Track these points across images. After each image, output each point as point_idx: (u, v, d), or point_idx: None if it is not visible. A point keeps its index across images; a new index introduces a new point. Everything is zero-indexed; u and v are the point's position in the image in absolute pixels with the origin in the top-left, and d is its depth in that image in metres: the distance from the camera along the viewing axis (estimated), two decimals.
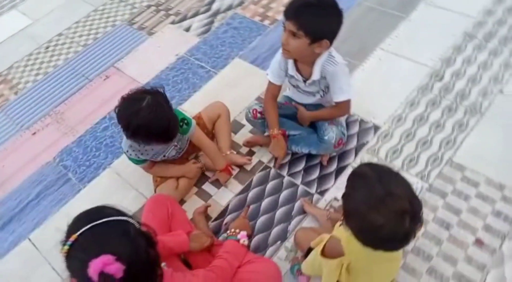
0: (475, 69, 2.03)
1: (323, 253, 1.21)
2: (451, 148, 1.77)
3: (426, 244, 1.52)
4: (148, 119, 1.43)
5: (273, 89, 1.77)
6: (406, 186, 1.00)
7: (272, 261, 1.51)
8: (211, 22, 2.63)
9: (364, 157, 1.80)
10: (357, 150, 1.83)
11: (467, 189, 1.64)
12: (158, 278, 0.99)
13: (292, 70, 1.67)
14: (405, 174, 1.69)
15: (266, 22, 2.54)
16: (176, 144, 1.73)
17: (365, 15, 2.42)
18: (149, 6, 2.88)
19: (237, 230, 1.49)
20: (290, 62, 1.65)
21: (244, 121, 2.02)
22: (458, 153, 1.75)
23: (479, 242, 1.51)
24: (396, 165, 1.75)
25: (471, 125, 1.83)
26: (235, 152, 1.91)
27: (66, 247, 0.94)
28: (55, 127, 2.25)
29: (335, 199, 1.70)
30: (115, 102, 2.21)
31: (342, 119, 1.79)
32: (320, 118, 1.77)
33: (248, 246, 1.56)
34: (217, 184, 1.84)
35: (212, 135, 1.94)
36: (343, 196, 1.06)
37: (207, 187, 1.85)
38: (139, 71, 2.44)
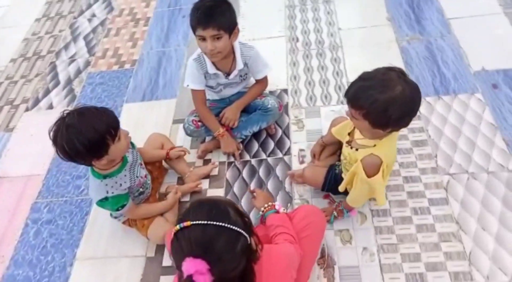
0: (312, 24, 2.59)
1: (370, 176, 1.38)
2: (342, 75, 2.24)
3: None
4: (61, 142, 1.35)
5: (200, 95, 1.89)
6: (376, 70, 1.30)
7: (304, 205, 1.66)
8: (71, 90, 2.52)
9: (295, 111, 2.10)
10: (286, 110, 2.12)
11: None
12: None
13: (212, 69, 1.80)
14: (327, 108, 2.09)
15: (127, 66, 2.60)
16: (140, 161, 1.68)
17: None
18: None
19: (269, 204, 1.57)
20: (208, 63, 1.78)
21: (178, 143, 2.07)
22: (349, 76, 2.22)
23: None
24: (317, 104, 2.12)
25: (341, 56, 2.35)
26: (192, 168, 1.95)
27: (177, 228, 0.96)
28: None
29: (300, 150, 1.95)
30: (26, 206, 2.00)
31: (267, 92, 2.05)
32: (247, 101, 1.94)
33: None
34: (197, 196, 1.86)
35: (163, 169, 1.94)
36: (371, 113, 1.24)
37: None
38: (30, 166, 2.16)
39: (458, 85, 2.07)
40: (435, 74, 2.14)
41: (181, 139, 2.10)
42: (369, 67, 2.23)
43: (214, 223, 0.95)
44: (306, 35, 2.52)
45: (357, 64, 2.27)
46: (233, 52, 1.79)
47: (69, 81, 2.58)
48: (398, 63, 2.22)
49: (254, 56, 1.82)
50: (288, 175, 1.85)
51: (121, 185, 1.56)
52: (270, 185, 1.85)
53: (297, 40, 2.50)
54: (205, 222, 0.95)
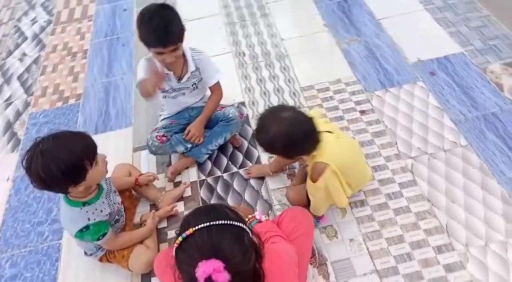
0: (255, 38, 2.66)
1: (315, 181, 1.50)
2: (294, 82, 2.32)
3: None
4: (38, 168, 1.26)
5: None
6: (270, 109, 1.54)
7: (288, 208, 1.68)
8: (13, 134, 2.35)
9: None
10: (247, 122, 2.14)
11: (326, 94, 2.21)
12: None
13: (164, 69, 1.75)
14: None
15: (72, 101, 2.48)
16: (114, 188, 1.62)
17: None
18: None
19: (249, 217, 1.56)
20: (159, 64, 1.74)
21: (143, 170, 2.00)
22: (300, 82, 2.31)
23: (362, 113, 2.10)
24: None
25: (289, 64, 2.43)
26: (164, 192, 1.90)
27: (180, 239, 0.94)
28: None
29: (270, 157, 1.97)
30: None
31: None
32: (208, 114, 1.93)
33: None
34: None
35: (134, 199, 1.86)
36: (267, 150, 1.52)
37: (172, 232, 1.77)
38: None
39: (400, 77, 2.24)
40: (378, 70, 2.30)
41: (146, 167, 2.03)
42: (318, 71, 2.37)
43: (216, 222, 0.95)
44: (252, 49, 2.59)
45: (305, 69, 2.37)
46: (184, 56, 1.79)
47: (9, 125, 2.41)
48: (343, 64, 2.36)
49: (204, 59, 1.85)
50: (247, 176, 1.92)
51: (101, 211, 1.50)
52: (247, 196, 1.85)
53: (244, 54, 2.56)
54: (208, 224, 0.94)
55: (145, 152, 2.10)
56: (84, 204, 1.44)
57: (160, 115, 2.04)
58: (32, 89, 2.61)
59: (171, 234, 1.78)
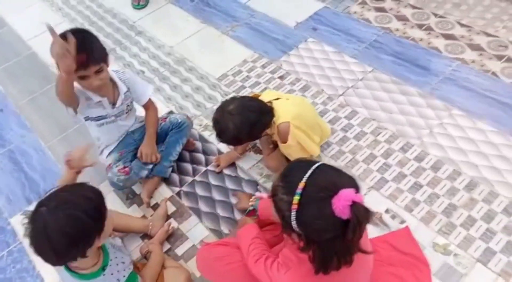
0: (145, 54, 2.63)
1: (285, 142, 1.63)
2: (207, 77, 2.39)
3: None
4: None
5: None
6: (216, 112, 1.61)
7: None
8: None
9: (196, 121, 2.15)
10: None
11: (242, 75, 2.36)
12: None
13: (96, 97, 1.66)
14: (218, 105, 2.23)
15: None
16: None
17: None
18: None
19: (251, 198, 1.63)
20: (90, 93, 1.65)
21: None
22: (213, 74, 2.40)
23: (281, 78, 2.31)
24: (208, 107, 2.22)
25: (192, 65, 2.49)
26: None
27: (298, 197, 0.96)
28: None
29: (228, 147, 2.01)
30: None
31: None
32: (153, 130, 1.88)
33: None
34: (183, 238, 1.73)
35: None
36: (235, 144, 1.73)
37: (180, 249, 1.70)
38: None
39: (292, 40, 2.52)
40: (271, 41, 2.54)
41: (111, 206, 1.86)
42: (221, 60, 2.52)
43: (315, 165, 1.00)
44: (147, 64, 2.56)
45: (210, 63, 2.47)
46: (111, 79, 1.71)
47: None
48: (240, 47, 2.53)
49: (131, 77, 1.82)
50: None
51: (123, 262, 1.38)
52: (230, 185, 1.88)
53: (143, 72, 2.51)
54: (311, 170, 0.98)
55: None
56: (103, 268, 1.30)
57: (101, 151, 1.89)
58: None
59: (179, 251, 1.70)
